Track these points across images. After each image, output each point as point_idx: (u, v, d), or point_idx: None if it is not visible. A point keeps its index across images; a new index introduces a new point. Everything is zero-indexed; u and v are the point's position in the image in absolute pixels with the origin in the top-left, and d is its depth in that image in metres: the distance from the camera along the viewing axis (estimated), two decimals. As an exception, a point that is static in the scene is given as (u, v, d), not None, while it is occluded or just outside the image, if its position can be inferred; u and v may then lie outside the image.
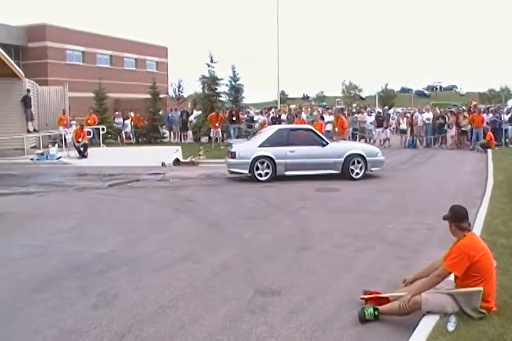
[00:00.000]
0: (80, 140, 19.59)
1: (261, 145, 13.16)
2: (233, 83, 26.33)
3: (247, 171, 13.02)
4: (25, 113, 21.18)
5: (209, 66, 25.51)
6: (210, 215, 8.96)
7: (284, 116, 24.93)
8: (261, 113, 29.51)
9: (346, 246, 6.77)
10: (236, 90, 26.37)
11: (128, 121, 26.46)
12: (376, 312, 4.32)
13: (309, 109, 28.22)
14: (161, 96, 29.91)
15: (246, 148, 13.37)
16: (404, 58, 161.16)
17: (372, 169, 13.44)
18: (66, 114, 23.95)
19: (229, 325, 4.28)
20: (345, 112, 25.34)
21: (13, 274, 5.77)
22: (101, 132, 23.48)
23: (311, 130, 13.88)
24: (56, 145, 20.28)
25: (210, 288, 5.18)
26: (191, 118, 26.90)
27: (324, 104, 60.99)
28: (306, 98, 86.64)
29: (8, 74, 20.26)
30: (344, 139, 17.49)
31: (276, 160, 12.97)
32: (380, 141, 23.70)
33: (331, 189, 11.58)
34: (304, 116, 22.89)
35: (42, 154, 18.80)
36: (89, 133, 21.68)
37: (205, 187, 12.31)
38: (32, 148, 20.88)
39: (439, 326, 4.05)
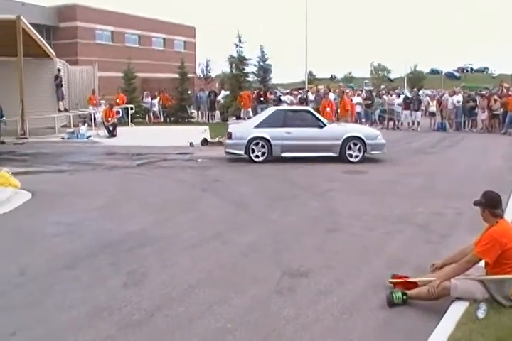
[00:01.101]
0: (109, 119, 19.78)
1: (257, 126, 13.08)
2: (261, 63, 26.16)
3: (242, 152, 13.00)
4: (56, 92, 21.47)
5: (237, 46, 25.36)
6: (238, 196, 9.00)
7: (311, 97, 24.75)
8: (288, 93, 29.31)
9: (375, 228, 6.74)
10: (264, 70, 26.20)
11: (156, 101, 26.59)
12: (404, 297, 4.30)
13: (337, 90, 27.91)
14: (189, 76, 29.87)
15: (242, 129, 13.34)
16: (434, 39, 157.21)
17: (372, 152, 13.06)
18: (96, 93, 24.17)
19: (257, 306, 4.32)
20: (349, 92, 24.58)
21: (47, 251, 5.92)
22: (129, 111, 23.66)
23: (310, 111, 13.64)
24: (86, 124, 20.54)
25: (238, 269, 5.24)
26: (219, 98, 26.88)
27: (352, 85, 60.13)
28: (333, 78, 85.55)
29: (40, 54, 20.51)
30: (346, 121, 17.01)
31: (272, 142, 12.87)
32: (408, 123, 23.34)
33: (359, 171, 11.50)
34: (331, 96, 22.64)
35: (72, 133, 19.06)
36: (118, 112, 21.87)
37: (232, 167, 12.34)
38: (63, 127, 21.19)
39: (469, 313, 4.02)
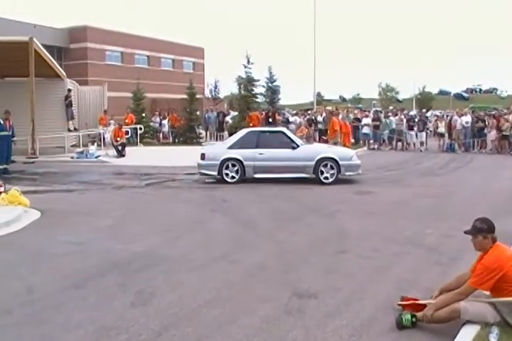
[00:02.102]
0: (118, 139, 19.95)
1: (230, 147, 13.14)
2: (270, 84, 26.40)
3: (216, 173, 13.01)
4: (67, 112, 21.72)
5: (245, 67, 25.64)
6: (246, 216, 8.99)
7: (320, 118, 24.87)
8: (296, 114, 29.48)
9: (383, 250, 6.69)
10: (272, 91, 26.44)
11: (165, 121, 26.81)
12: (414, 319, 4.25)
13: (346, 111, 28.04)
14: (198, 96, 30.17)
15: (215, 150, 13.43)
16: (443, 60, 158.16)
17: (347, 173, 13.00)
18: (107, 113, 24.42)
19: (266, 327, 4.28)
20: (342, 112, 24.62)
21: (55, 270, 5.92)
22: (138, 131, 23.86)
23: (283, 132, 13.61)
24: (95, 144, 20.73)
25: (247, 289, 5.20)
26: (227, 118, 27.08)
27: (360, 106, 60.43)
28: (342, 100, 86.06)
29: (51, 74, 20.82)
30: (335, 143, 16.96)
31: (244, 163, 12.89)
32: (414, 144, 23.35)
33: (368, 192, 11.47)
34: (340, 117, 22.74)
35: (82, 152, 19.23)
36: (127, 132, 22.05)
37: (240, 188, 12.34)
38: (72, 146, 21.38)
39: (480, 337, 3.95)
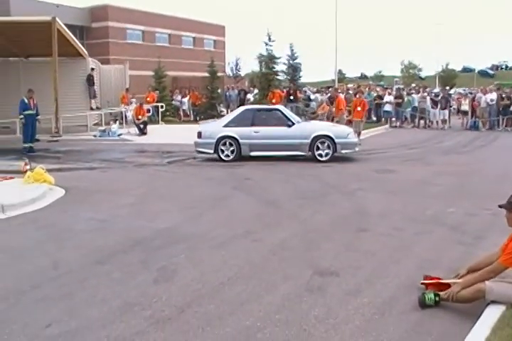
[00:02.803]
0: (139, 117, 20.03)
1: (226, 126, 13.10)
2: (291, 62, 26.02)
3: (212, 151, 13.02)
4: (89, 91, 21.83)
5: (266, 44, 25.22)
6: (268, 194, 8.99)
7: (341, 95, 24.57)
8: (318, 92, 29.18)
9: (405, 229, 6.64)
10: (294, 69, 26.05)
11: (186, 99, 26.78)
12: (437, 298, 4.21)
13: (368, 89, 27.66)
14: (219, 74, 30.00)
15: (211, 128, 13.37)
16: (466, 36, 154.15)
17: (343, 151, 12.85)
18: (128, 92, 24.48)
19: (287, 305, 4.31)
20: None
21: (80, 246, 6.02)
22: (160, 110, 23.90)
23: (279, 110, 13.47)
24: (117, 122, 20.86)
25: (269, 267, 5.23)
26: (249, 96, 26.93)
27: (382, 83, 59.53)
28: (363, 77, 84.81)
29: (74, 53, 20.89)
30: (338, 121, 16.61)
31: (240, 141, 12.88)
32: (437, 122, 22.99)
33: (390, 170, 11.36)
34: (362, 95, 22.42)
35: (104, 131, 19.39)
36: (148, 110, 22.11)
37: (262, 165, 12.33)
38: (94, 125, 21.54)
39: (505, 317, 3.89)
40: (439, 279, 4.55)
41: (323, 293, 4.54)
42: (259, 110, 13.79)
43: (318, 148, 12.71)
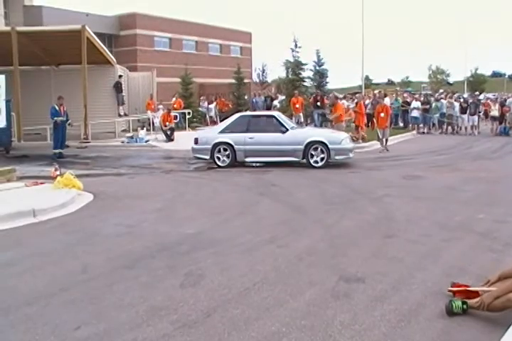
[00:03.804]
0: (166, 124, 20.26)
1: (221, 132, 13.27)
2: (317, 68, 26.04)
3: (208, 157, 13.18)
4: (117, 98, 22.21)
5: (293, 51, 25.35)
6: (294, 200, 9.00)
7: (368, 102, 24.44)
8: (344, 98, 29.07)
9: (433, 235, 6.56)
10: (320, 75, 26.07)
11: (213, 106, 26.99)
12: (465, 306, 4.15)
13: (394, 95, 27.46)
14: (245, 81, 30.17)
15: (207, 135, 13.62)
16: (496, 40, 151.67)
17: (337, 157, 12.77)
18: (154, 98, 24.79)
19: (313, 310, 4.30)
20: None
21: (108, 250, 6.12)
22: (187, 116, 24.13)
23: (274, 116, 13.50)
24: (144, 128, 21.14)
25: (295, 273, 5.23)
26: (275, 102, 27.00)
27: (410, 89, 58.99)
28: (390, 83, 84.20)
29: (103, 61, 21.32)
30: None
31: (235, 147, 13.01)
32: (466, 128, 22.67)
33: (418, 176, 11.25)
34: (387, 101, 22.27)
35: (131, 137, 19.67)
36: (175, 117, 22.35)
37: (289, 171, 12.35)
38: (122, 131, 21.90)
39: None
40: (467, 287, 4.48)
41: (349, 299, 4.52)
42: (254, 116, 14.01)
43: (312, 155, 12.76)
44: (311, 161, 12.75)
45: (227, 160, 13.13)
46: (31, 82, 20.75)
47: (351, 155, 13.04)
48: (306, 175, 11.76)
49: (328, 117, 17.89)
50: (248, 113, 15.72)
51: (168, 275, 5.23)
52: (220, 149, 13.15)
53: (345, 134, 13.75)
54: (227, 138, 13.12)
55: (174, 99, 25.67)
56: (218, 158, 13.18)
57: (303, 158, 12.85)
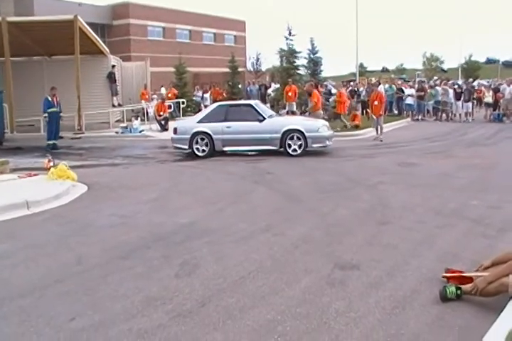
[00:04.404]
0: (161, 113, 20.17)
1: (200, 122, 13.30)
2: (312, 56, 25.92)
3: (187, 147, 13.18)
4: (111, 88, 22.07)
5: (287, 39, 25.20)
6: (289, 188, 8.99)
7: (362, 89, 24.40)
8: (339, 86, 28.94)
9: (427, 222, 6.57)
10: (314, 63, 25.96)
11: (207, 95, 26.89)
12: (459, 292, 4.17)
13: (388, 82, 27.39)
14: (240, 69, 30.02)
15: (186, 124, 13.67)
16: (490, 27, 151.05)
17: (314, 145, 12.79)
18: (147, 88, 24.66)
19: (308, 298, 4.31)
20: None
21: (102, 241, 6.10)
22: (181, 106, 24.03)
23: (251, 105, 13.52)
24: (139, 118, 21.05)
25: (290, 261, 5.23)
26: (269, 91, 26.91)
27: (404, 76, 58.83)
28: (385, 70, 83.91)
29: (96, 51, 21.15)
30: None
31: (213, 136, 13.04)
32: (460, 114, 22.67)
33: (413, 163, 11.25)
34: (381, 89, 22.20)
35: (126, 127, 19.59)
36: (169, 106, 22.26)
37: (284, 160, 12.33)
38: (116, 121, 21.80)
39: (529, 311, 3.86)
40: (461, 272, 4.50)
41: (344, 287, 4.53)
42: (231, 106, 14.02)
43: (290, 144, 12.76)
44: (289, 150, 12.77)
45: (206, 150, 13.15)
46: (23, 73, 20.58)
47: (328, 143, 13.03)
48: (301, 164, 11.75)
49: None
50: (226, 102, 15.74)
51: (164, 265, 5.22)
52: (198, 139, 13.16)
53: (323, 122, 13.72)
54: (206, 127, 13.14)
55: (163, 89, 25.54)
56: (197, 149, 13.20)
57: (280, 147, 12.86)
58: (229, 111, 13.38)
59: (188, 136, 13.17)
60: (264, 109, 14.04)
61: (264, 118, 13.06)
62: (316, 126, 13.04)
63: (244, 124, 13.06)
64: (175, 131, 13.58)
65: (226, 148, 13.22)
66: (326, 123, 13.77)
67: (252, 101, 14.58)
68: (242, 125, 13.06)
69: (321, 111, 16.79)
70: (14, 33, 18.69)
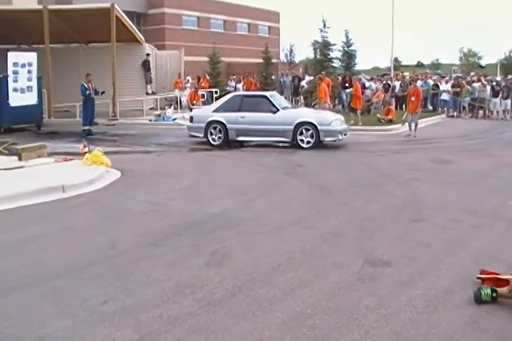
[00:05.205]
0: (194, 102, 20.24)
1: (215, 111, 13.41)
2: (346, 49, 25.63)
3: (202, 135, 13.34)
4: (145, 76, 22.25)
5: (321, 31, 24.93)
6: (321, 181, 8.94)
7: (397, 84, 24.02)
8: (372, 79, 28.57)
9: (462, 221, 6.45)
10: (349, 56, 25.67)
11: (240, 85, 26.85)
12: (494, 294, 4.07)
13: (425, 77, 26.91)
14: (273, 60, 29.89)
15: (202, 113, 13.78)
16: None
17: (326, 139, 12.63)
18: (181, 77, 24.77)
19: (338, 293, 4.28)
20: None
21: (135, 227, 6.18)
22: (214, 95, 24.09)
23: (265, 97, 13.37)
24: (172, 107, 21.16)
25: (320, 254, 5.20)
26: (303, 83, 26.70)
27: (439, 71, 57.67)
28: (420, 65, 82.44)
29: (131, 39, 21.33)
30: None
31: (227, 125, 13.11)
32: (498, 112, 22.08)
33: (447, 161, 11.03)
34: (418, 84, 21.78)
35: (159, 115, 19.73)
36: (203, 96, 22.31)
37: (316, 152, 12.23)
38: (150, 109, 21.96)
39: None
40: (497, 274, 4.39)
41: (375, 283, 4.48)
42: (246, 96, 14.09)
43: (301, 135, 12.67)
44: (300, 142, 12.68)
45: (220, 139, 13.25)
46: (61, 60, 20.89)
47: (341, 137, 12.88)
48: (333, 157, 11.65)
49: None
50: (241, 93, 15.93)
51: (194, 253, 5.26)
52: (213, 128, 13.26)
53: (336, 115, 13.58)
54: (220, 116, 13.23)
55: (189, 78, 25.61)
56: (212, 138, 13.32)
57: (293, 140, 12.78)
58: (244, 102, 13.40)
59: (204, 125, 13.31)
60: (280, 100, 13.98)
61: (278, 110, 13.01)
62: (329, 119, 12.86)
63: (258, 115, 13.03)
64: (191, 119, 13.78)
65: (240, 138, 13.28)
66: (341, 117, 13.67)
67: (267, 93, 14.50)
68: (256, 116, 13.03)
69: (328, 104, 16.78)
70: (54, 20, 19.00)
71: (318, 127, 12.56)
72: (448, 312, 3.96)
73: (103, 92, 16.31)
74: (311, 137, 12.62)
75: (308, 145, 12.62)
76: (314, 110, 15.34)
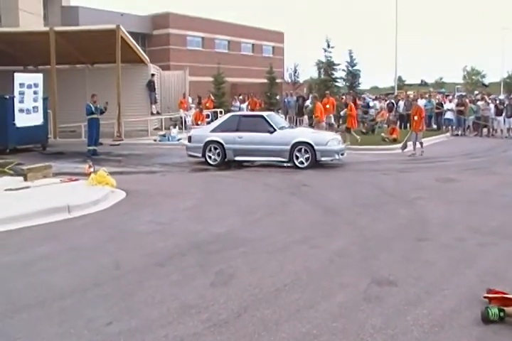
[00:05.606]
0: (199, 122, 20.40)
1: (213, 131, 13.54)
2: (350, 68, 25.88)
3: (200, 155, 13.44)
4: (150, 96, 22.46)
5: (325, 51, 25.25)
6: (326, 201, 8.94)
7: (400, 103, 24.16)
8: (376, 99, 28.76)
9: (467, 240, 6.42)
10: (353, 75, 25.91)
11: (244, 105, 27.05)
12: (502, 314, 4.03)
13: (428, 96, 27.05)
14: (277, 80, 30.16)
15: (200, 133, 13.92)
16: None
17: (323, 159, 12.66)
18: (186, 97, 24.97)
19: (344, 313, 4.26)
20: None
21: (140, 248, 6.18)
22: (219, 115, 24.25)
23: (263, 117, 13.49)
24: (177, 127, 21.31)
25: (326, 274, 5.19)
26: (307, 103, 26.87)
27: (443, 90, 57.98)
28: (424, 84, 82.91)
29: (136, 60, 21.62)
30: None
31: (225, 145, 13.22)
32: (502, 130, 22.12)
33: (451, 179, 11.04)
34: (421, 103, 21.90)
35: (164, 136, 19.86)
36: (207, 116, 22.47)
37: (320, 172, 12.27)
38: (155, 129, 22.11)
39: None
40: (505, 293, 4.36)
41: (381, 303, 4.46)
42: (243, 116, 14.23)
43: (297, 156, 12.71)
44: (296, 162, 12.70)
45: (218, 159, 13.35)
46: (66, 81, 21.17)
47: (338, 157, 12.89)
48: (337, 176, 11.68)
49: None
50: (239, 113, 16.06)
51: (199, 273, 5.25)
52: (211, 148, 13.36)
53: (333, 135, 13.64)
54: (218, 136, 13.35)
55: (190, 98, 25.84)
56: (210, 157, 13.41)
57: (289, 160, 12.80)
58: (241, 122, 13.55)
59: (202, 145, 13.43)
60: (277, 120, 14.06)
61: (275, 130, 13.10)
62: (325, 139, 12.90)
63: (255, 135, 13.13)
64: (189, 139, 13.92)
65: (237, 158, 13.37)
66: (338, 136, 13.71)
67: (264, 113, 14.67)
68: (253, 136, 13.14)
69: (324, 124, 16.99)
70: (60, 42, 19.31)
71: (315, 147, 12.60)
72: (455, 332, 3.93)
73: (106, 103, 16.30)
74: (308, 157, 12.65)
75: (304, 165, 12.64)
76: (312, 130, 15.44)
